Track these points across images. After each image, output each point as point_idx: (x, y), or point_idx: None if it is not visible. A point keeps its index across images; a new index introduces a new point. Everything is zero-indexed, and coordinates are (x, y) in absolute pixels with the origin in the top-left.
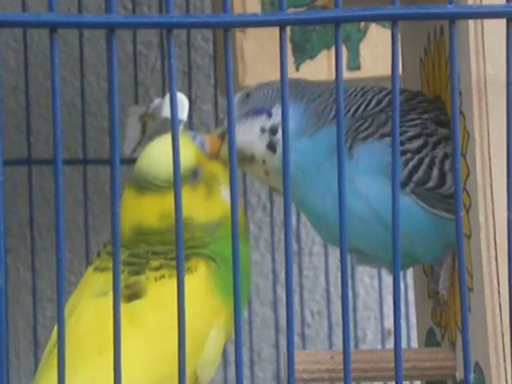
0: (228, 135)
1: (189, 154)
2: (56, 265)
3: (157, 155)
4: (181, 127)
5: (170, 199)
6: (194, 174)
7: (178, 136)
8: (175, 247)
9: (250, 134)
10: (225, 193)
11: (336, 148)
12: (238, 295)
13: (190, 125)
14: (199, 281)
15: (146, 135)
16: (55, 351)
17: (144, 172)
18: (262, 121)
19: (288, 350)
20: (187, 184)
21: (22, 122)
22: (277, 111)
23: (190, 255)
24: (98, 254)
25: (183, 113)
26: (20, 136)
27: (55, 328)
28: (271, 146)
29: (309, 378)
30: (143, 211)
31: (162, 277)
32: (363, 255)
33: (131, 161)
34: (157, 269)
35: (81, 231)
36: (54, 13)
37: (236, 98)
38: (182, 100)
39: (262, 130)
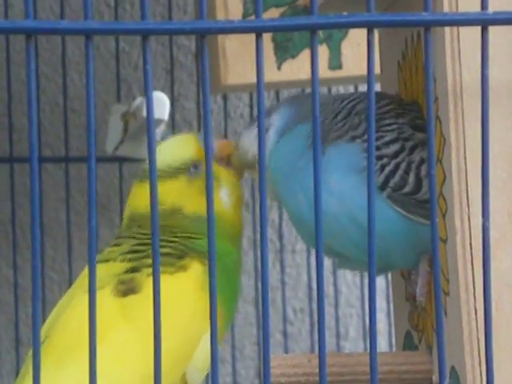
0: (204, 141)
1: (190, 148)
2: (32, 272)
3: (159, 148)
4: (162, 127)
5: (161, 187)
6: (193, 168)
7: (154, 142)
8: (157, 236)
9: (251, 135)
10: (223, 194)
11: (308, 146)
12: (214, 294)
13: (172, 123)
14: (194, 280)
15: (128, 134)
16: (43, 349)
17: (146, 164)
18: None
19: (264, 355)
20: (184, 176)
21: (4, 119)
22: (276, 113)
23: (186, 252)
24: (101, 252)
25: (164, 112)
26: (2, 134)
27: (42, 328)
28: None
29: (286, 381)
30: (137, 198)
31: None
32: (343, 258)
33: (114, 159)
34: (151, 266)
35: (63, 229)
36: (29, 19)
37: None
38: (163, 99)
39: None
